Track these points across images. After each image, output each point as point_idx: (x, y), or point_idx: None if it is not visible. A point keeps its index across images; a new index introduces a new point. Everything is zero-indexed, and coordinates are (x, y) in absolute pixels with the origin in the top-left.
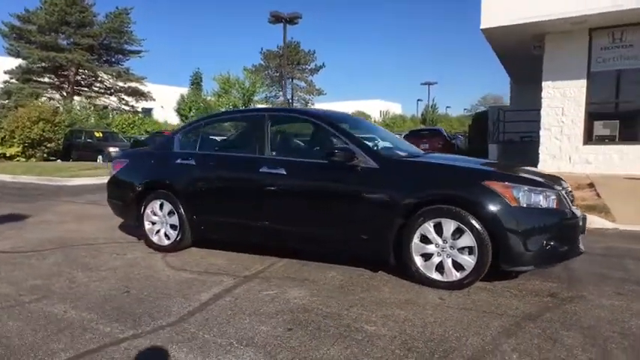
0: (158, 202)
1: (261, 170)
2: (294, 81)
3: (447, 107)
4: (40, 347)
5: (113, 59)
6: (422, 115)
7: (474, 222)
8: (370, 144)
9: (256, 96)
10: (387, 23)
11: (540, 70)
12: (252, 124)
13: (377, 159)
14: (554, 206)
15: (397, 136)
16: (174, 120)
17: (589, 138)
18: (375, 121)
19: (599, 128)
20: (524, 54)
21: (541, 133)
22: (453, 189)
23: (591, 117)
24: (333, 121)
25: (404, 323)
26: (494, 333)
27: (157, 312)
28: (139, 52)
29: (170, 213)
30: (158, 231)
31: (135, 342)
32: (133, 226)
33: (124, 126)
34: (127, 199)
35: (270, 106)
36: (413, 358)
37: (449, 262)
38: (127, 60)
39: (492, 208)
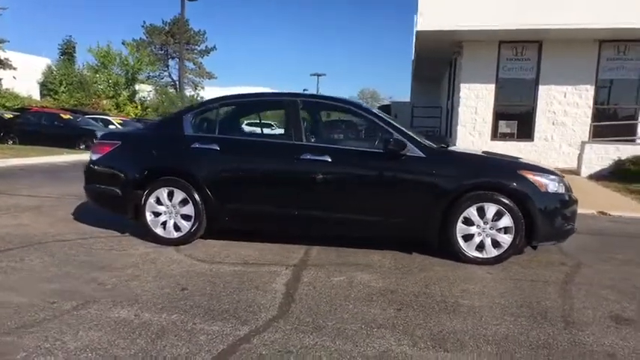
0: (166, 191)
1: (303, 157)
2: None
3: None
4: (162, 354)
5: None
6: None
7: (512, 205)
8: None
9: (140, 74)
10: (280, 12)
11: (443, 73)
12: (285, 110)
13: (422, 149)
14: (565, 191)
15: None
16: (36, 93)
17: (495, 134)
18: None
19: (503, 127)
20: (439, 57)
21: (457, 128)
22: (495, 177)
23: (497, 117)
24: (374, 111)
25: (484, 295)
26: (556, 296)
27: (247, 306)
28: None
29: (182, 202)
30: (164, 222)
31: (264, 337)
32: (128, 219)
33: None
34: (120, 188)
35: (156, 86)
36: (523, 321)
37: (488, 241)
38: None
39: (529, 193)
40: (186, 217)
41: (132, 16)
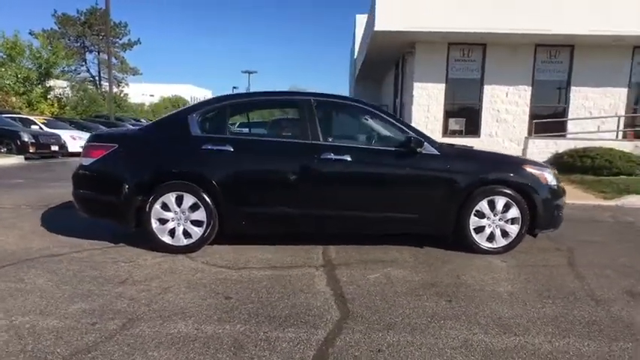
0: (174, 196)
1: (323, 157)
2: (102, 55)
3: None
4: None
5: None
6: None
7: (519, 198)
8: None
9: (55, 69)
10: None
11: (387, 72)
12: (299, 109)
13: (436, 146)
14: (557, 183)
15: None
16: None
17: (445, 131)
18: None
19: (453, 124)
20: (389, 57)
21: None
22: (505, 172)
23: (448, 115)
24: (386, 111)
25: (513, 282)
26: (572, 278)
27: (306, 310)
28: None
29: (193, 207)
30: (172, 229)
31: (346, 339)
32: (128, 228)
33: None
34: (119, 195)
35: (73, 82)
36: (560, 302)
37: (498, 232)
38: None
39: (534, 186)
40: (196, 223)
41: (39, 3)
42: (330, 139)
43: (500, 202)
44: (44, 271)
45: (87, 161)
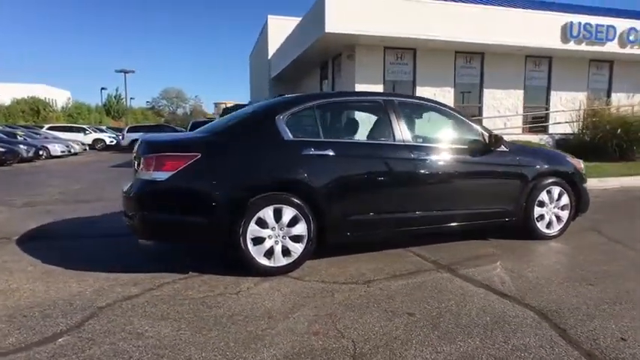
0: (271, 209)
1: (419, 157)
2: None
3: (131, 99)
4: None
5: None
6: (104, 105)
7: (568, 186)
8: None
9: None
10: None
11: (306, 74)
12: (383, 110)
13: (506, 144)
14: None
15: None
16: None
17: None
18: (52, 110)
19: None
20: (319, 58)
21: None
22: (557, 165)
23: None
24: (460, 111)
25: (600, 260)
26: (632, 252)
27: (501, 313)
28: None
29: (292, 221)
30: (270, 249)
31: (578, 332)
32: (223, 251)
33: None
34: (210, 213)
35: None
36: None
37: (554, 219)
38: None
39: (577, 175)
40: (296, 239)
41: None
42: (420, 140)
43: (556, 191)
44: (151, 319)
45: (160, 175)
